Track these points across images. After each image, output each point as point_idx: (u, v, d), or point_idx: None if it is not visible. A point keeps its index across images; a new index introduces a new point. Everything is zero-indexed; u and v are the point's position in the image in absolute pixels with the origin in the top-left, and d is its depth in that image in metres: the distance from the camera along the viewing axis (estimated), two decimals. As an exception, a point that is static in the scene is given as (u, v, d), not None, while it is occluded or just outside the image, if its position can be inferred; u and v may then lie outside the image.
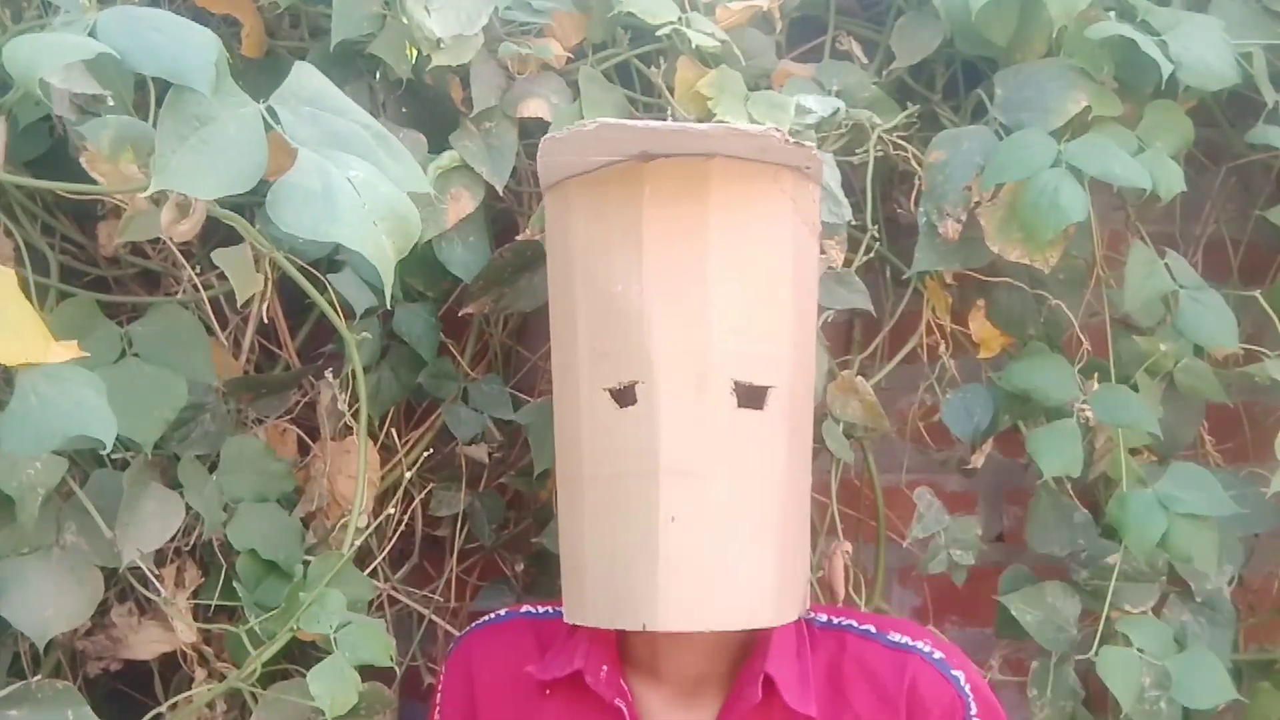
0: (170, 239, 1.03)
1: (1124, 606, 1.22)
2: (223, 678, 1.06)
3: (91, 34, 0.78)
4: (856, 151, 1.22)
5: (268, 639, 1.01)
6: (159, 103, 0.79)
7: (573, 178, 0.96)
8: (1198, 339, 1.21)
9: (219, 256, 1.04)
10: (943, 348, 1.29)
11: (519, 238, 1.19)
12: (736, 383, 0.90)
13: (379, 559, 1.16)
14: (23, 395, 0.78)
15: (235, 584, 1.06)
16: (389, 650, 1.02)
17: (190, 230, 0.91)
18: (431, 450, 1.24)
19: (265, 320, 1.15)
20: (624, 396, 0.91)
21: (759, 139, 0.89)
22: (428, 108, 1.18)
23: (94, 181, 0.94)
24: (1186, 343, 1.22)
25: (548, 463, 1.22)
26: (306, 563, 1.09)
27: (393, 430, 1.25)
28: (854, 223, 1.21)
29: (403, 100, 1.16)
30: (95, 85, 0.92)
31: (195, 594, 1.10)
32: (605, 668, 0.97)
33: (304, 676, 0.96)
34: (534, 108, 1.16)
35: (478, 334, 1.31)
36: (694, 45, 1.17)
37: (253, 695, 1.03)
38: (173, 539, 1.05)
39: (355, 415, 1.09)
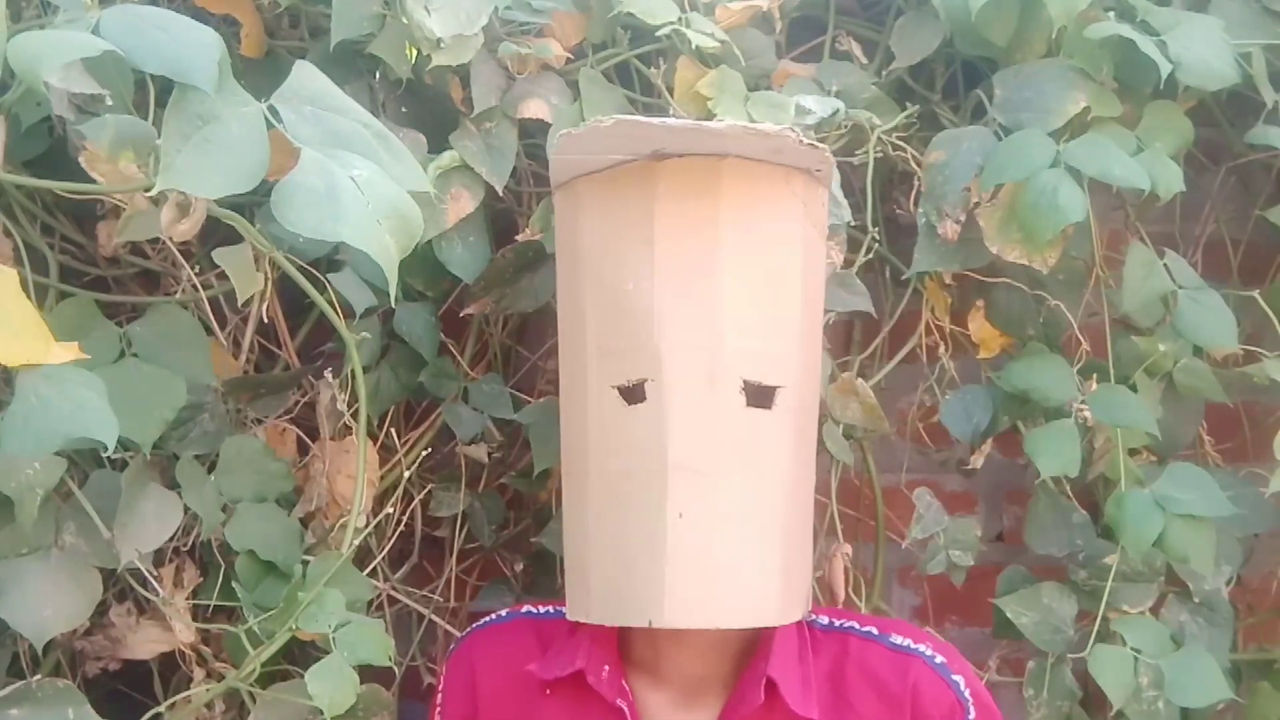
0: (170, 239, 1.02)
1: (1122, 606, 1.22)
2: (221, 678, 1.06)
3: (95, 32, 0.78)
4: (856, 152, 1.22)
5: (266, 639, 1.00)
6: (158, 102, 0.79)
7: (583, 176, 0.96)
8: (1197, 339, 1.21)
9: (219, 256, 1.04)
10: (942, 348, 1.30)
11: (519, 238, 1.19)
12: (746, 382, 0.91)
13: (378, 559, 1.16)
14: (24, 396, 0.77)
15: (234, 584, 1.06)
16: (388, 650, 1.02)
17: (190, 230, 0.91)
18: (431, 450, 1.24)
19: (265, 320, 1.15)
20: (633, 394, 0.92)
21: (774, 139, 0.89)
22: (428, 108, 1.18)
23: (93, 181, 0.94)
24: (1186, 343, 1.22)
25: (549, 462, 1.22)
26: (305, 563, 1.09)
27: (392, 430, 1.25)
28: (854, 223, 1.21)
29: (403, 100, 1.16)
30: (94, 84, 0.92)
31: (194, 594, 1.10)
32: (607, 667, 0.97)
33: (303, 677, 0.96)
34: (534, 108, 1.16)
35: (477, 334, 1.31)
36: (694, 45, 1.17)
37: (251, 695, 1.03)
38: (171, 539, 1.05)
39: (355, 415, 1.09)
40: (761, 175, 0.93)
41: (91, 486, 1.02)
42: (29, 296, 0.80)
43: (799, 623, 0.98)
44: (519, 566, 1.37)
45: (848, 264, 1.21)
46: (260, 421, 1.18)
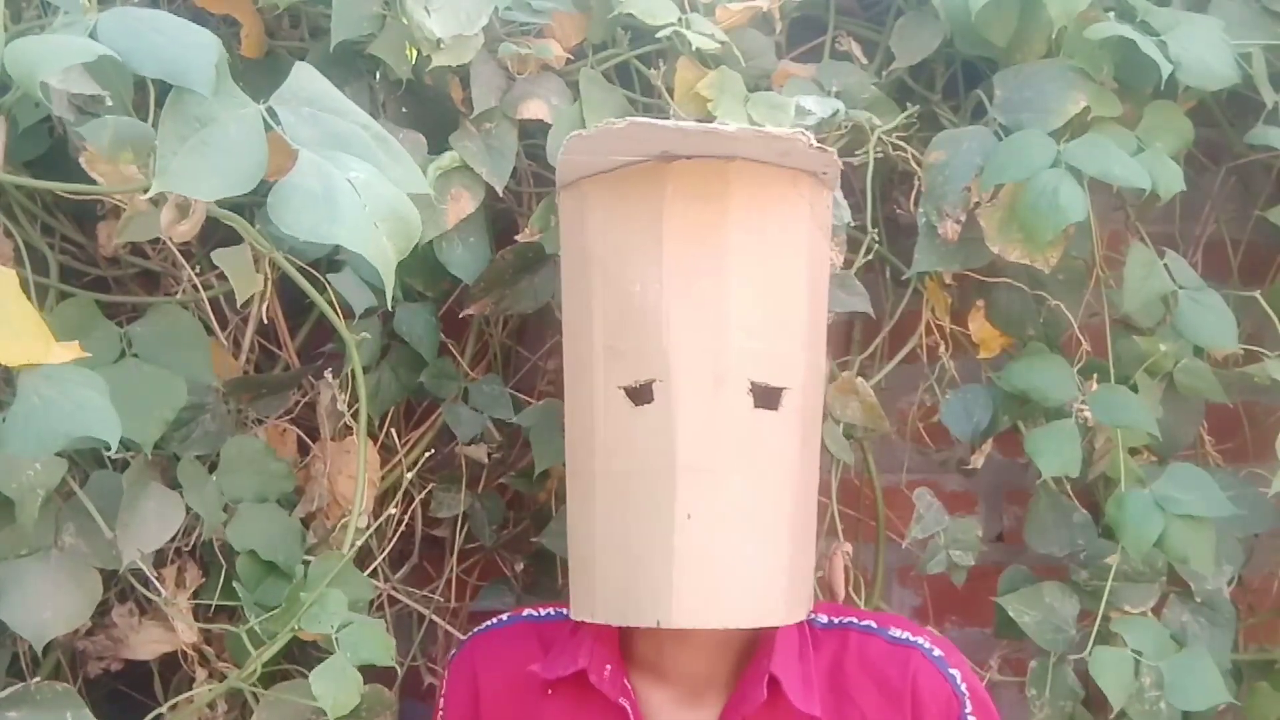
0: (170, 239, 1.03)
1: (1123, 607, 1.22)
2: (223, 678, 1.06)
3: (92, 35, 0.78)
4: (856, 152, 1.22)
5: (268, 639, 1.00)
6: (158, 103, 0.79)
7: (589, 177, 0.96)
8: (1197, 340, 1.21)
9: (219, 257, 1.04)
10: (942, 348, 1.30)
11: (518, 238, 1.19)
12: (753, 383, 0.91)
13: (379, 559, 1.16)
14: (25, 397, 0.77)
15: (235, 584, 1.06)
16: (390, 650, 1.02)
17: (190, 230, 0.91)
18: (431, 450, 1.24)
19: (265, 320, 1.15)
20: (640, 395, 0.92)
21: (784, 142, 0.89)
22: (428, 108, 1.18)
23: (93, 182, 0.94)
24: (1186, 343, 1.22)
25: (549, 462, 1.22)
26: (307, 563, 1.09)
27: (393, 430, 1.25)
28: (854, 224, 1.21)
29: (403, 100, 1.16)
30: (94, 85, 0.92)
31: (196, 594, 1.10)
32: (609, 667, 0.97)
33: (305, 677, 0.96)
34: (534, 109, 1.16)
35: (477, 334, 1.31)
36: (694, 46, 1.17)
37: (253, 695, 1.03)
38: (173, 539, 1.05)
39: (355, 415, 1.09)
40: (769, 178, 0.93)
41: (92, 487, 1.02)
42: (29, 296, 0.80)
43: (799, 621, 0.98)
44: (519, 566, 1.37)
45: (848, 264, 1.21)
46: (261, 422, 1.18)
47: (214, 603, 1.09)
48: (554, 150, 1.12)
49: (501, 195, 1.18)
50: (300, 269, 1.02)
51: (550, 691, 0.99)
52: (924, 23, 1.26)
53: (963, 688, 0.97)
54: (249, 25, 1.13)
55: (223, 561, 1.09)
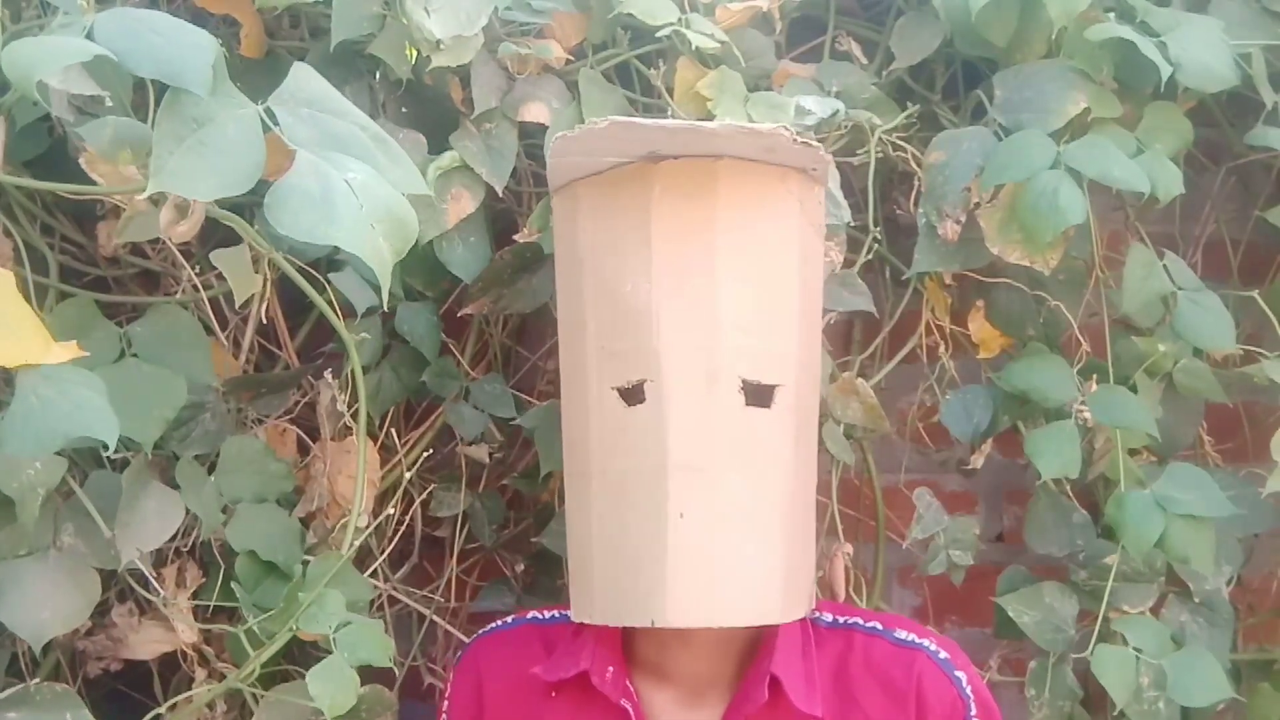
0: (169, 239, 1.03)
1: (1122, 606, 1.22)
2: (223, 678, 1.06)
3: (89, 36, 0.78)
4: (856, 152, 1.22)
5: (267, 639, 1.00)
6: (158, 103, 0.79)
7: (580, 179, 0.97)
8: (1196, 340, 1.21)
9: (218, 257, 1.04)
10: (942, 348, 1.30)
11: (517, 238, 1.19)
12: (745, 381, 0.91)
13: (379, 559, 1.16)
14: (24, 397, 0.78)
15: (234, 584, 1.06)
16: (389, 651, 1.02)
17: (189, 231, 0.91)
18: (431, 450, 1.24)
19: (265, 320, 1.15)
20: (633, 395, 0.92)
21: (768, 138, 0.90)
22: (428, 108, 1.18)
23: (93, 182, 0.94)
24: (1185, 343, 1.22)
25: (555, 465, 1.22)
26: (306, 563, 1.09)
27: (393, 430, 1.25)
28: (854, 224, 1.21)
29: (403, 101, 1.16)
30: (93, 86, 0.92)
31: (195, 594, 1.10)
32: (611, 668, 0.97)
33: (304, 677, 0.96)
34: (534, 112, 1.16)
35: (478, 334, 1.31)
36: (694, 46, 1.17)
37: (253, 695, 1.03)
38: (173, 539, 1.05)
39: (355, 415, 1.09)
40: (757, 175, 0.93)
41: (91, 486, 1.02)
42: (29, 296, 0.80)
43: (802, 620, 0.98)
44: (519, 567, 1.37)
45: (848, 264, 1.21)
46: (261, 421, 1.18)
47: (213, 603, 1.09)
48: (552, 152, 1.13)
49: (501, 195, 1.18)
50: (300, 269, 1.03)
51: (553, 694, 1.00)
52: (924, 23, 1.26)
53: (968, 690, 0.97)
54: (249, 25, 1.13)
55: (221, 562, 1.09)
